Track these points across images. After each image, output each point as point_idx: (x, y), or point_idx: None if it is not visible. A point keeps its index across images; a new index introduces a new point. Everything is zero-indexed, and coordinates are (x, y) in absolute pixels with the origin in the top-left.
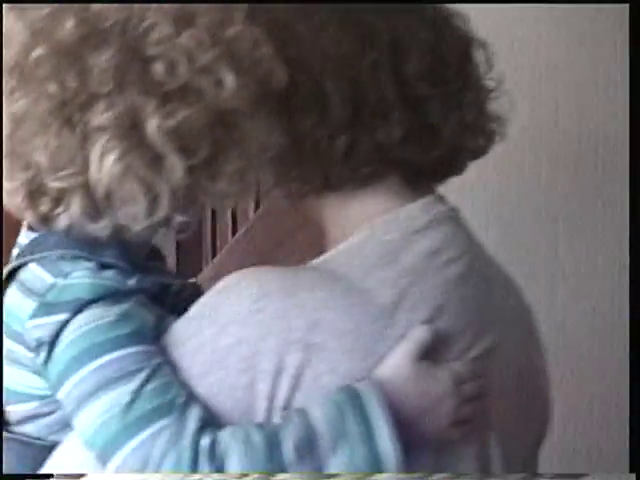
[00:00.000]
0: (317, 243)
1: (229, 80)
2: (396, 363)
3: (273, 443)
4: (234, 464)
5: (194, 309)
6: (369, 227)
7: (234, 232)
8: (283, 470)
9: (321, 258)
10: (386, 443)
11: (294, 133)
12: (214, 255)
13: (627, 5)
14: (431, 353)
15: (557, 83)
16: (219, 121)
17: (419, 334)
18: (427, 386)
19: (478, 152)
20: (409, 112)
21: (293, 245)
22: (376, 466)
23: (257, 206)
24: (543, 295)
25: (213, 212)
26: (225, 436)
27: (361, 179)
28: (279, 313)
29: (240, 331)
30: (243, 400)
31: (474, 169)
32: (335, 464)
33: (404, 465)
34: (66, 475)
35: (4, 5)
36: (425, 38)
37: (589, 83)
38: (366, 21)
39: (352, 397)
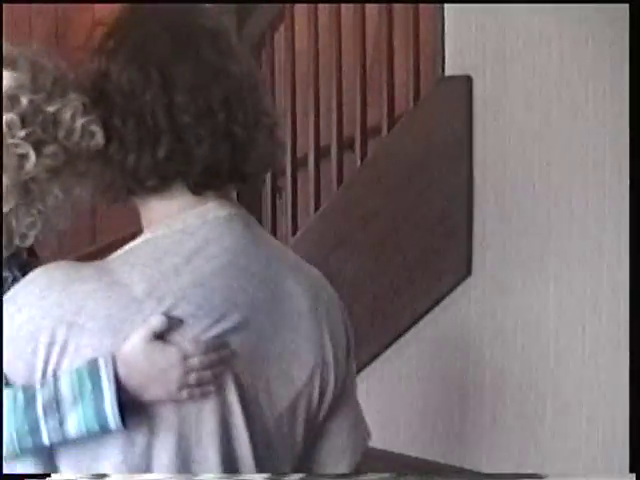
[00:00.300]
0: (377, 242)
1: (31, 156)
2: (132, 342)
3: (29, 401)
4: (6, 416)
5: (11, 291)
6: (150, 230)
7: (294, 232)
8: (37, 423)
9: (114, 254)
10: (109, 404)
11: (102, 156)
12: None
13: (627, 5)
14: (170, 334)
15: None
16: (21, 185)
17: (154, 321)
18: (155, 360)
19: (253, 170)
20: (174, 137)
21: (353, 244)
22: (102, 423)
23: (317, 207)
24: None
25: (273, 213)
26: (5, 393)
27: (148, 188)
28: (57, 301)
29: (29, 312)
30: (29, 364)
31: None
32: (72, 420)
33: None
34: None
35: None
36: (194, 79)
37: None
38: (151, 64)
39: (91, 367)
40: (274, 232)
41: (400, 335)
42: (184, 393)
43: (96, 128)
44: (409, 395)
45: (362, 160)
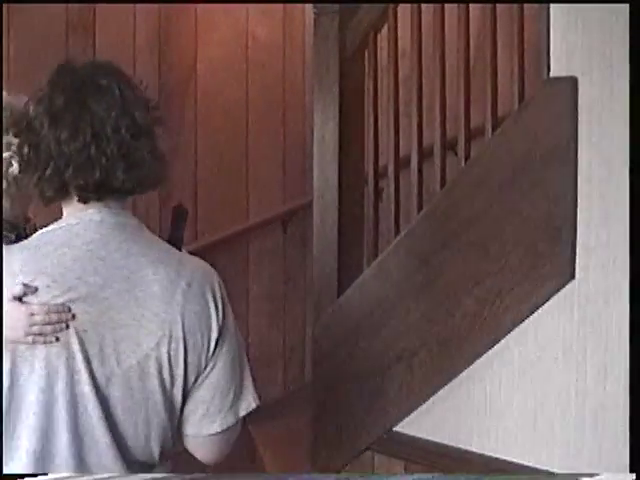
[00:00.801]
0: (480, 245)
1: None
2: (4, 301)
3: None
4: None
5: None
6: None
7: (396, 234)
8: None
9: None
10: None
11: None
12: (376, 256)
13: (627, 5)
14: (27, 298)
15: None
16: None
17: (15, 288)
18: (10, 314)
19: (125, 187)
20: (60, 162)
21: (456, 247)
22: None
23: (419, 208)
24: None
25: (375, 215)
26: None
27: (49, 198)
28: None
29: None
30: None
31: None
32: None
33: None
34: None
35: None
36: (74, 123)
37: None
38: (50, 110)
39: None
40: (376, 234)
41: (501, 338)
42: (29, 338)
43: (15, 160)
44: (509, 400)
45: (465, 161)
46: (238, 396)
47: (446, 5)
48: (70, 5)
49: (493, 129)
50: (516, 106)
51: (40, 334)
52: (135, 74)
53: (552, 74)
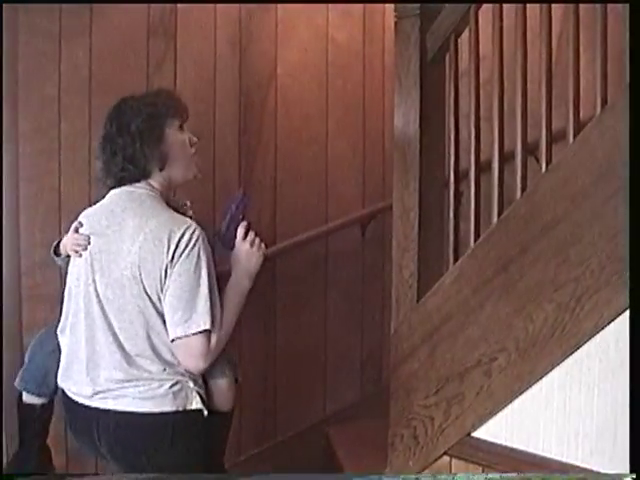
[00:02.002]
0: (560, 250)
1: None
2: None
3: None
4: None
5: None
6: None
7: (476, 237)
8: None
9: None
10: None
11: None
12: (456, 259)
13: (627, 5)
14: (80, 230)
15: None
16: None
17: (74, 224)
18: (68, 237)
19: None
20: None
21: (536, 252)
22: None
23: (500, 212)
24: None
25: (455, 218)
26: None
27: (106, 186)
28: None
29: None
30: None
31: None
32: None
33: None
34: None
35: None
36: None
37: None
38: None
39: None
40: (455, 238)
41: (582, 345)
42: (72, 252)
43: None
44: (589, 407)
45: (547, 166)
46: (188, 317)
47: (528, 7)
48: (152, 8)
49: (575, 134)
50: (598, 110)
51: (76, 250)
52: (215, 78)
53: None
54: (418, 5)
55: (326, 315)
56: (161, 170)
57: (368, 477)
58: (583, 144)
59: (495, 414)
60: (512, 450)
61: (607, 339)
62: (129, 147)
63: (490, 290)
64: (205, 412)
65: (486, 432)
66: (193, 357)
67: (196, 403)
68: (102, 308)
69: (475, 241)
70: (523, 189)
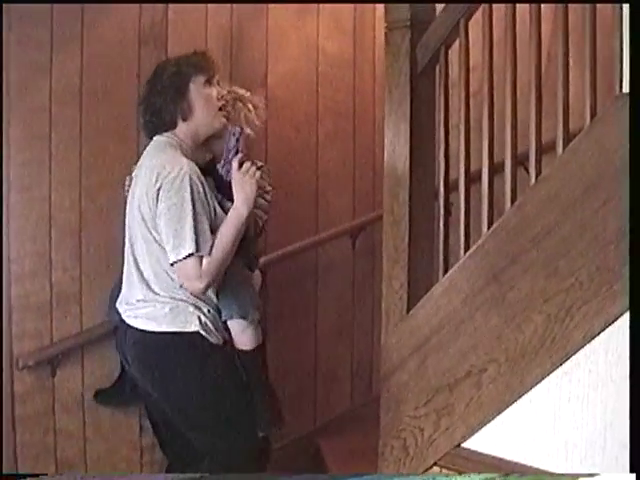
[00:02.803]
0: (550, 261)
1: None
2: None
3: None
4: None
5: None
6: None
7: (466, 248)
8: None
9: None
10: None
11: None
12: (446, 270)
13: (627, 5)
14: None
15: None
16: None
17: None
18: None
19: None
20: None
21: (526, 263)
22: None
23: (490, 223)
24: None
25: (445, 229)
26: None
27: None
28: None
29: None
30: None
31: None
32: None
33: None
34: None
35: None
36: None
37: None
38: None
39: None
40: (445, 249)
41: (571, 356)
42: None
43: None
44: (578, 418)
45: (536, 177)
46: (178, 244)
47: (518, 19)
48: (142, 18)
49: (564, 145)
50: (588, 122)
51: (127, 190)
52: None
53: (625, 89)
54: (408, 17)
55: (316, 326)
56: (185, 120)
57: (368, 477)
58: (572, 155)
59: (485, 425)
60: (502, 461)
61: (597, 350)
62: (157, 102)
63: (480, 301)
64: (207, 336)
65: (476, 443)
66: (188, 279)
67: (194, 326)
68: (130, 237)
69: (465, 252)
70: (513, 200)
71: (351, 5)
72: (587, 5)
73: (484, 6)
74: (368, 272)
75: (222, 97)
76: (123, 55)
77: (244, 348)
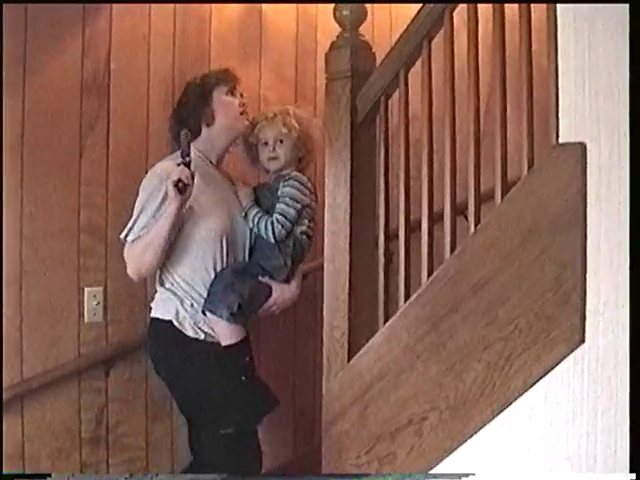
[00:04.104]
0: (489, 309)
1: None
2: None
3: None
4: None
5: None
6: None
7: (406, 297)
8: None
9: None
10: None
11: None
12: (386, 319)
13: (627, 5)
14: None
15: None
16: None
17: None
18: None
19: None
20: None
21: (465, 311)
22: None
23: (429, 272)
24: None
25: (385, 277)
26: None
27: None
28: None
29: None
30: None
31: None
32: None
33: None
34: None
35: None
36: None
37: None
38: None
39: None
40: (386, 297)
41: (511, 403)
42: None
43: None
44: (519, 464)
45: (475, 226)
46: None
47: (457, 69)
48: (85, 66)
49: (502, 194)
50: (525, 172)
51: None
52: (148, 135)
53: (561, 139)
54: (349, 67)
55: (258, 373)
56: (208, 126)
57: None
58: (510, 205)
59: (427, 472)
60: None
61: (536, 396)
62: (183, 112)
63: (420, 350)
64: (180, 327)
65: None
66: (130, 261)
67: (169, 315)
68: None
69: (405, 301)
70: (452, 249)
71: (293, 54)
72: (524, 55)
73: (423, 57)
74: (310, 320)
75: (244, 105)
76: (65, 103)
77: (224, 343)
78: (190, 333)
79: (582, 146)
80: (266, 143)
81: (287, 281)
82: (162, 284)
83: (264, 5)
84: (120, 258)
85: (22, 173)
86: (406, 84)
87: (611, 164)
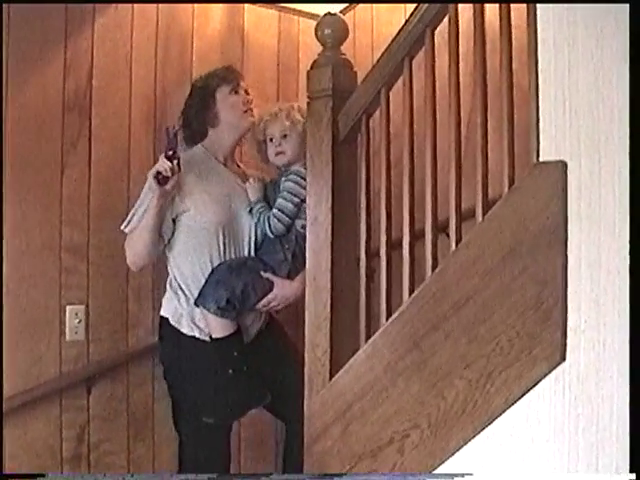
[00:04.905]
0: (470, 327)
1: None
2: None
3: None
4: None
5: None
6: None
7: (388, 315)
8: None
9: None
10: None
11: None
12: (368, 337)
13: (627, 5)
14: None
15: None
16: None
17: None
18: None
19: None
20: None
21: (446, 329)
22: None
23: (411, 290)
24: None
25: (367, 295)
26: None
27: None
28: None
29: None
30: None
31: None
32: None
33: None
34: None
35: None
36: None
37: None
38: None
39: None
40: (368, 314)
41: (493, 420)
42: None
43: None
44: None
45: (456, 244)
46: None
47: (438, 87)
48: (67, 84)
49: (484, 212)
50: (506, 190)
51: None
52: (130, 153)
53: (542, 158)
54: (330, 86)
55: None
56: (213, 127)
57: (368, 477)
58: (491, 223)
59: None
60: None
61: (517, 414)
62: (189, 116)
63: (402, 368)
64: (176, 325)
65: None
66: (128, 251)
67: (167, 313)
68: None
69: (387, 319)
70: (434, 267)
71: (275, 73)
72: (505, 74)
73: (404, 76)
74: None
75: (248, 102)
76: (47, 121)
77: (214, 335)
78: (185, 330)
79: (562, 164)
80: (272, 139)
81: (290, 277)
82: (170, 283)
83: (246, 24)
84: (101, 276)
85: (2, 192)
86: (387, 102)
87: (591, 182)
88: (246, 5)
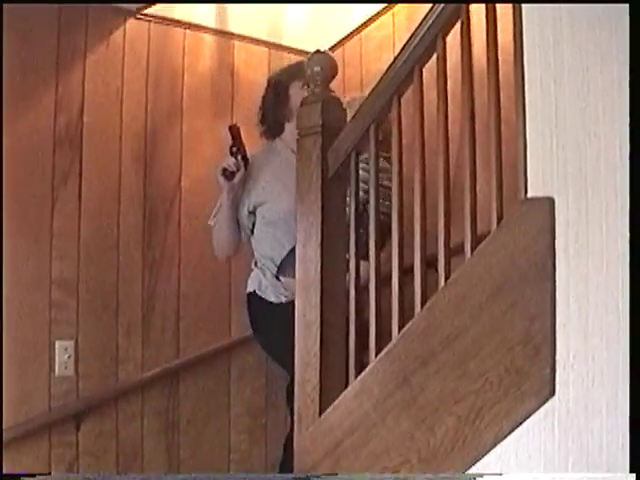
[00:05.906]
0: (460, 363)
1: None
2: None
3: None
4: None
5: None
6: None
7: (377, 351)
8: None
9: None
10: None
11: None
12: (358, 373)
13: (627, 5)
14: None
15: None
16: None
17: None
18: None
19: None
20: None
21: (436, 365)
22: None
23: (400, 326)
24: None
25: (357, 331)
26: None
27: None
28: None
29: None
30: None
31: None
32: None
33: None
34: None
35: None
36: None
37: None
38: None
39: None
40: (358, 350)
41: (482, 456)
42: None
43: None
44: None
45: (445, 280)
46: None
47: (426, 125)
48: (58, 119)
49: (472, 248)
50: (494, 226)
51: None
52: (120, 191)
53: (529, 194)
54: (320, 122)
55: (229, 428)
56: (289, 121)
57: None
58: (479, 259)
59: None
60: None
61: (507, 450)
62: (266, 112)
63: (391, 404)
64: (263, 295)
65: None
66: (214, 242)
67: (252, 288)
68: None
69: (376, 355)
70: (423, 302)
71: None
72: (493, 111)
73: (392, 113)
74: (281, 375)
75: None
76: (38, 156)
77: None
78: (272, 299)
79: (550, 201)
80: None
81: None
82: (255, 263)
83: (236, 60)
84: (91, 312)
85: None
86: (377, 139)
87: (579, 218)
88: (236, 42)
